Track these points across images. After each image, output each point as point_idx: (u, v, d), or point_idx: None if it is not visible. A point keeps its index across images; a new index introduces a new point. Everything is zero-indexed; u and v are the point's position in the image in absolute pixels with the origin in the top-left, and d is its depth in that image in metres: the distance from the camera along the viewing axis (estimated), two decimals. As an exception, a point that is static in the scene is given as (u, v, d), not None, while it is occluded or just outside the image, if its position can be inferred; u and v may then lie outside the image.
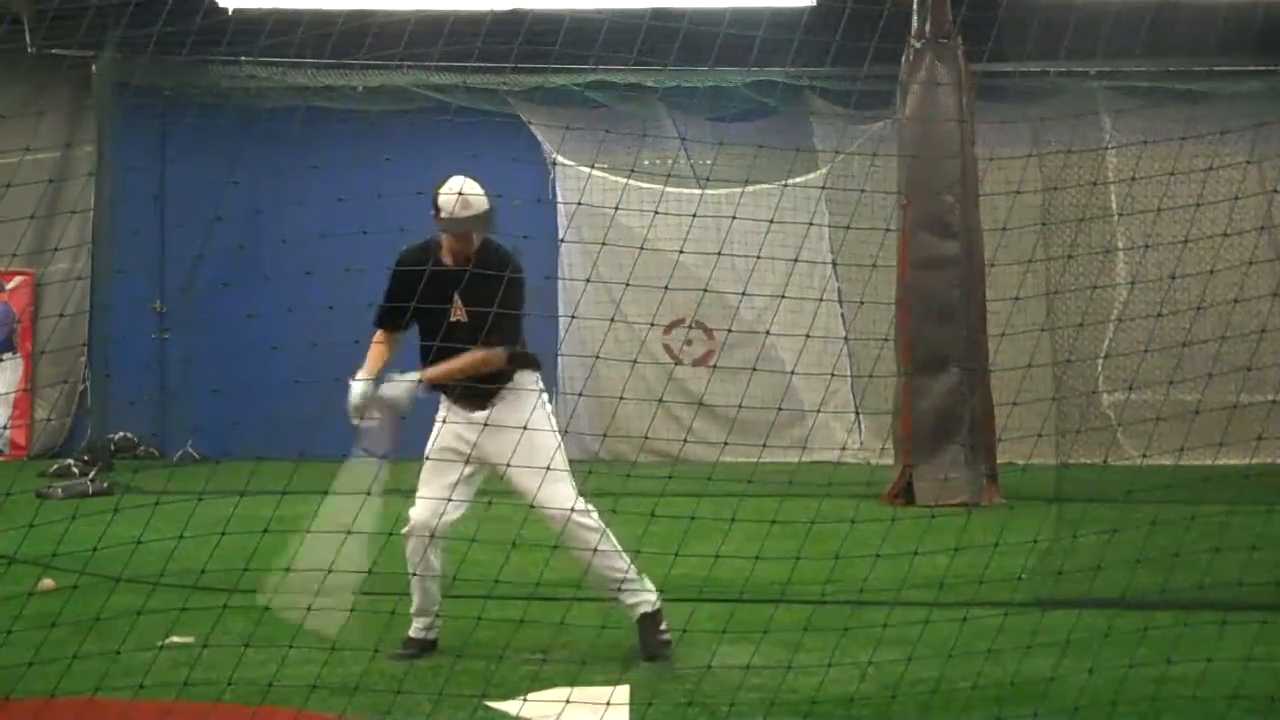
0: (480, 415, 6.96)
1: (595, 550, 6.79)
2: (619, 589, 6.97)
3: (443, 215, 6.93)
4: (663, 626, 7.05)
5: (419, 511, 6.97)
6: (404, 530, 6.98)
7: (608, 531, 6.89)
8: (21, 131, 17.09)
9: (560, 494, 6.86)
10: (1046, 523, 10.00)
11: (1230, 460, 10.99)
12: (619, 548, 6.94)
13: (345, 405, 6.93)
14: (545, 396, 7.11)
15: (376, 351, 7.12)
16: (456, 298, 6.93)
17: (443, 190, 6.95)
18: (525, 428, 6.76)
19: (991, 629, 7.12)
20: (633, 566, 6.97)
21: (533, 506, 6.91)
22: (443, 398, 7.11)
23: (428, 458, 7.08)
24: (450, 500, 6.89)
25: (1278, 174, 14.31)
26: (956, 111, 13.36)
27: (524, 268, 7.08)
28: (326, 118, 16.39)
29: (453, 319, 6.95)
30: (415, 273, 6.82)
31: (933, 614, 7.32)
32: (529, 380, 7.06)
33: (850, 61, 14.99)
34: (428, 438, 7.17)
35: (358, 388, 6.92)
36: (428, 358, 6.91)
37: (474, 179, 7.06)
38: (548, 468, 6.76)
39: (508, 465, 6.78)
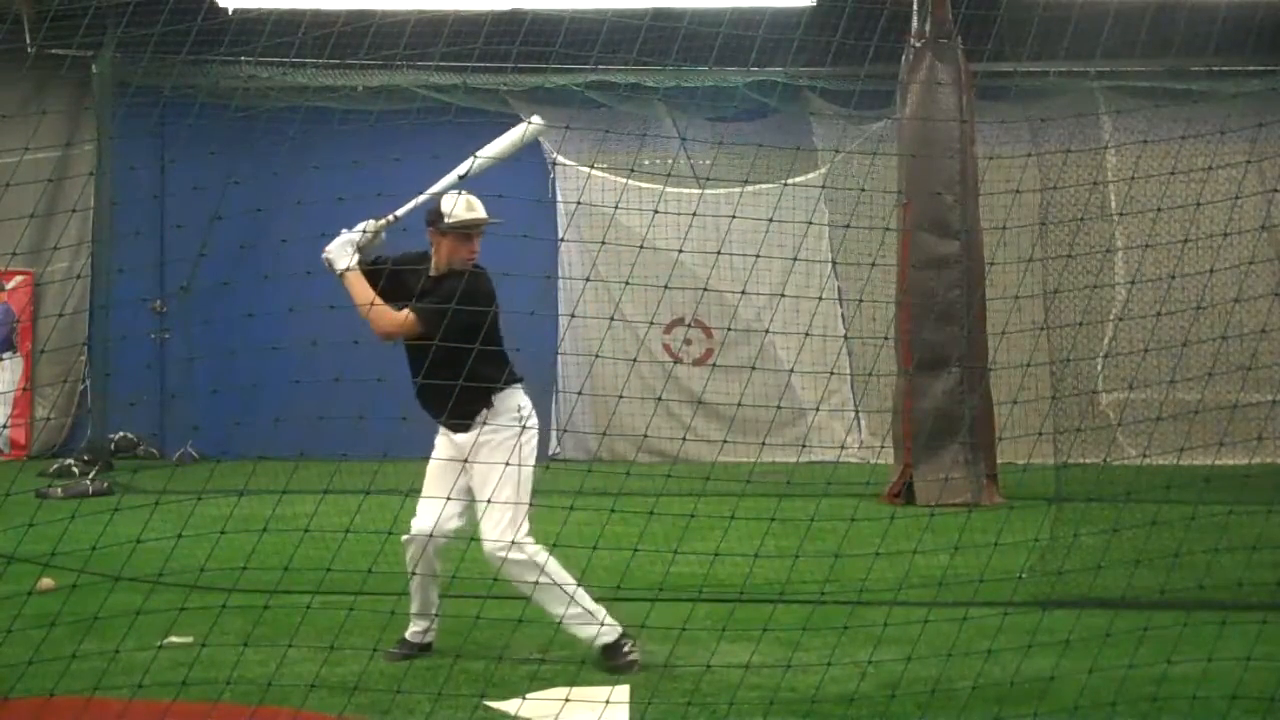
0: (461, 439, 6.99)
1: (534, 584, 6.76)
2: (562, 626, 6.91)
3: (449, 222, 6.98)
4: (625, 649, 6.91)
5: (420, 520, 6.98)
6: (404, 537, 6.99)
7: (550, 567, 6.82)
8: (21, 131, 17.11)
9: (497, 527, 6.82)
10: (1046, 522, 10.00)
11: (1230, 460, 10.99)
12: (563, 582, 6.84)
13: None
14: (529, 421, 7.01)
15: None
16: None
17: (446, 199, 7.01)
18: (507, 462, 6.79)
19: (991, 629, 7.12)
20: (576, 601, 6.84)
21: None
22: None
23: (431, 462, 7.11)
24: (450, 502, 6.89)
25: (1278, 174, 14.31)
26: (956, 111, 13.36)
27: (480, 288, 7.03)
28: (326, 118, 16.39)
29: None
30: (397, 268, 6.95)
31: (932, 613, 7.31)
32: (509, 405, 7.00)
33: (850, 61, 15.04)
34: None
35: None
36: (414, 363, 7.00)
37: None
38: (488, 500, 6.77)
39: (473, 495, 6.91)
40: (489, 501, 6.75)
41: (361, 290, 6.86)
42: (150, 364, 16.94)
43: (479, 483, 6.86)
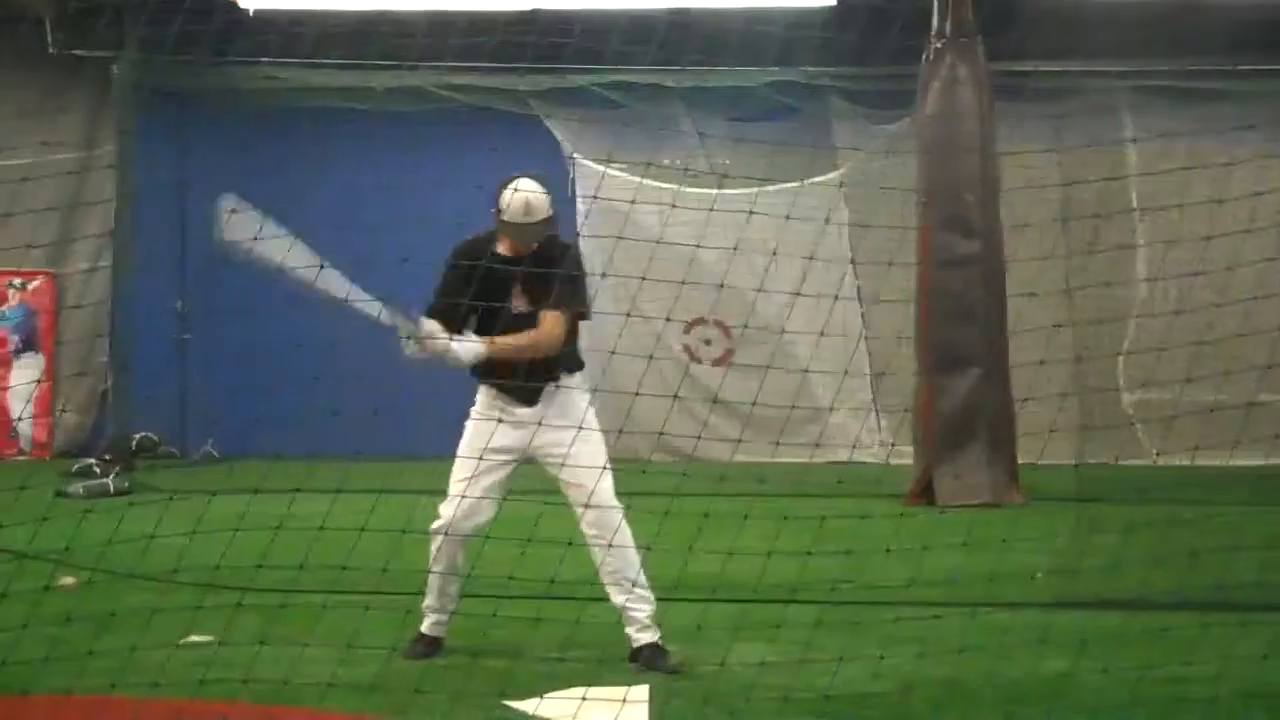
0: (527, 413, 6.85)
1: (626, 548, 6.77)
2: (630, 594, 6.81)
3: (505, 218, 6.82)
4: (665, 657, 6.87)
5: (456, 512, 6.82)
6: (433, 527, 6.90)
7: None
8: (42, 132, 17.20)
9: (610, 491, 6.82)
10: (1065, 522, 9.97)
11: (1248, 460, 10.96)
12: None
13: (406, 332, 6.76)
14: (590, 396, 6.99)
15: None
16: (517, 288, 6.83)
17: (508, 190, 6.82)
18: (581, 426, 6.74)
19: (1007, 627, 7.11)
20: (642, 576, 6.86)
21: (586, 505, 6.80)
22: (488, 393, 6.94)
23: (468, 457, 6.88)
24: (486, 501, 6.82)
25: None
26: (977, 110, 13.34)
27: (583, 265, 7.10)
28: (345, 117, 16.42)
29: (515, 310, 6.82)
30: (473, 268, 6.71)
31: (948, 612, 7.30)
32: (576, 380, 6.96)
33: (871, 61, 15.01)
34: (456, 434, 7.07)
35: (430, 325, 6.74)
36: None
37: (536, 178, 6.96)
38: (605, 465, 6.75)
39: (563, 463, 6.74)
40: (604, 466, 6.75)
41: (515, 341, 6.76)
42: (171, 364, 17.01)
43: (559, 449, 6.73)
